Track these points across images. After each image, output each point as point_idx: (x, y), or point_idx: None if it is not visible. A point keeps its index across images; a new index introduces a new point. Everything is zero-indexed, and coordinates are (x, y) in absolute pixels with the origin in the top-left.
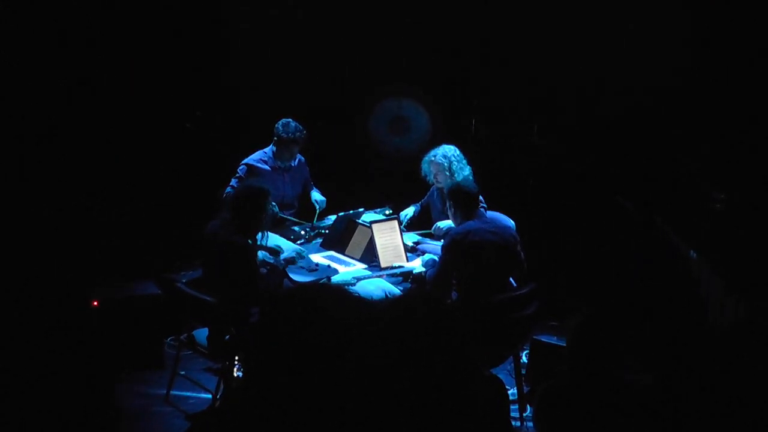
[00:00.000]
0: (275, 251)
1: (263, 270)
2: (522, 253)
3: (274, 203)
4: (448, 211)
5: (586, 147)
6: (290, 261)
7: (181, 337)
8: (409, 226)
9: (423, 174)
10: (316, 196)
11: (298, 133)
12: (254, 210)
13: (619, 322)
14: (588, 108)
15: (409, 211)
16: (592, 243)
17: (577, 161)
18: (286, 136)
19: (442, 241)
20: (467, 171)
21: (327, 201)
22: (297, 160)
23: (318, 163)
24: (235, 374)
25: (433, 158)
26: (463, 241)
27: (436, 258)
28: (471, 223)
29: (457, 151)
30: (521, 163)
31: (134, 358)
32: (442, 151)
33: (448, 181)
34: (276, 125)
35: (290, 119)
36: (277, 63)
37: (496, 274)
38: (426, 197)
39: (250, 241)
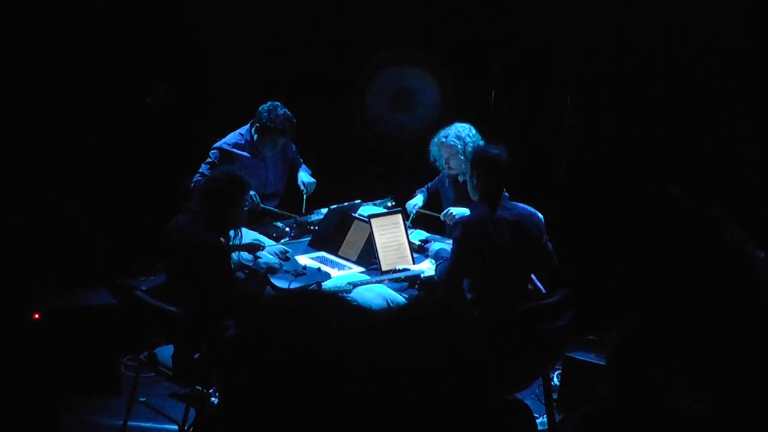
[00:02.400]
0: (256, 247)
1: (240, 274)
2: (549, 244)
3: (253, 193)
4: (468, 183)
5: (629, 126)
6: (272, 270)
7: (141, 356)
8: (418, 220)
9: (431, 158)
10: (304, 177)
11: (286, 124)
12: (228, 203)
13: (669, 336)
14: (632, 79)
15: (417, 201)
16: (636, 241)
17: (619, 143)
18: (271, 125)
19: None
20: None
21: (317, 192)
22: None
23: (305, 147)
24: (207, 400)
25: (444, 139)
26: (478, 231)
27: (447, 248)
28: (488, 210)
29: (473, 131)
30: (550, 145)
31: (84, 381)
32: (455, 130)
33: (463, 166)
34: (260, 109)
35: (278, 104)
36: (255, 24)
37: (518, 271)
38: (434, 182)
39: (222, 240)
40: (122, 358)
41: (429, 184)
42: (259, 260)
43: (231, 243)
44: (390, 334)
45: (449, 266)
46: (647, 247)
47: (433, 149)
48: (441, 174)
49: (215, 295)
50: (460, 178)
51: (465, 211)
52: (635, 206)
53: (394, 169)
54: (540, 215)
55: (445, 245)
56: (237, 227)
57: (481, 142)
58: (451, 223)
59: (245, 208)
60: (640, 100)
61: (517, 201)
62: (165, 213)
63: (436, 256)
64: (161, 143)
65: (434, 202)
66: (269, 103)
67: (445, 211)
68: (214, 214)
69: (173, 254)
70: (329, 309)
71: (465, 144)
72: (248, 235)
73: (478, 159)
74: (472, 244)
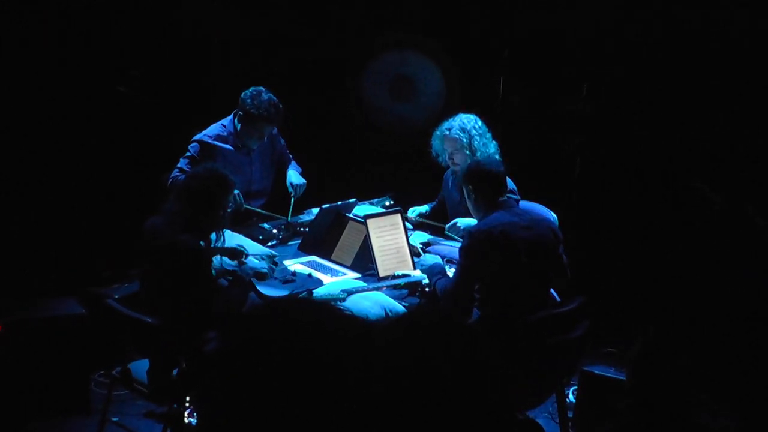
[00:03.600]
0: (238, 252)
1: (222, 281)
2: (565, 257)
3: (237, 191)
4: (467, 200)
5: (652, 116)
6: (260, 276)
7: (114, 371)
8: (418, 224)
9: (434, 153)
10: (293, 177)
11: (272, 110)
12: (211, 203)
13: (696, 348)
14: (657, 63)
15: (423, 208)
16: (660, 244)
17: (640, 135)
18: (255, 112)
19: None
20: (492, 148)
21: (308, 190)
22: None
23: (295, 141)
24: (186, 420)
25: (447, 132)
26: (487, 240)
27: (438, 259)
28: (497, 216)
29: (479, 122)
30: (565, 137)
31: (50, 400)
32: (459, 122)
33: (468, 161)
34: (243, 95)
35: (262, 89)
36: (238, 2)
37: (532, 284)
38: (440, 194)
39: (203, 243)
40: (93, 374)
41: (439, 195)
42: (245, 265)
43: (213, 246)
44: (388, 347)
45: (455, 280)
46: (672, 250)
47: (435, 143)
48: (445, 174)
49: (195, 305)
50: None
51: (471, 222)
52: (659, 206)
53: (392, 165)
54: (553, 216)
55: (438, 258)
56: (219, 230)
57: (488, 135)
58: (457, 235)
59: (228, 209)
60: (666, 86)
61: (530, 199)
62: (140, 213)
63: (431, 272)
64: (135, 136)
65: (442, 216)
66: (252, 88)
67: (450, 223)
68: (195, 215)
69: (149, 259)
70: (321, 319)
71: (471, 137)
72: (232, 239)
73: (469, 174)
74: (480, 255)
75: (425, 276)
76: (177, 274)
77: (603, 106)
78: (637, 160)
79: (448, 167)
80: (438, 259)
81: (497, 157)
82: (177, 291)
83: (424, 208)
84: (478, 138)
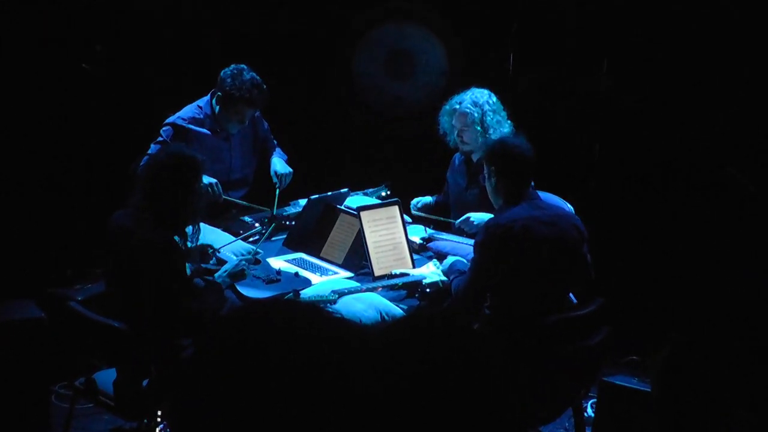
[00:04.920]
0: (203, 253)
1: (198, 281)
2: (589, 256)
3: (215, 181)
4: (486, 181)
5: (681, 97)
6: (238, 275)
7: (76, 382)
8: (420, 218)
9: (441, 131)
10: (278, 165)
11: (255, 91)
12: (179, 190)
13: (726, 355)
14: (688, 35)
15: (426, 198)
16: (688, 238)
17: (669, 119)
18: (236, 93)
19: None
20: (507, 128)
21: (294, 180)
22: None
23: (280, 125)
24: None
25: (457, 106)
26: (505, 236)
27: (464, 261)
28: (517, 210)
29: (493, 98)
30: (582, 120)
31: (6, 415)
32: (472, 95)
33: (480, 140)
34: (222, 74)
35: (244, 67)
36: None
37: (550, 286)
38: (446, 185)
39: (177, 239)
40: (53, 385)
41: (446, 187)
42: (218, 272)
43: (189, 242)
44: (384, 355)
45: (469, 278)
46: (702, 245)
47: (444, 119)
48: (453, 158)
49: (167, 308)
50: (475, 157)
51: (485, 218)
52: (687, 197)
53: (389, 151)
54: (570, 208)
55: (460, 257)
56: (194, 222)
57: (503, 113)
58: (469, 231)
59: (203, 196)
60: (698, 62)
61: (541, 191)
62: (106, 206)
63: (451, 270)
64: (100, 119)
65: (446, 208)
66: (233, 66)
67: (462, 218)
68: (163, 206)
69: (115, 257)
70: (309, 323)
71: (483, 112)
72: (209, 234)
73: (494, 154)
74: (497, 252)
75: (425, 275)
76: (146, 274)
77: (625, 87)
78: (663, 147)
79: (458, 148)
80: (461, 259)
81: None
82: (147, 292)
83: (428, 198)
84: (491, 114)
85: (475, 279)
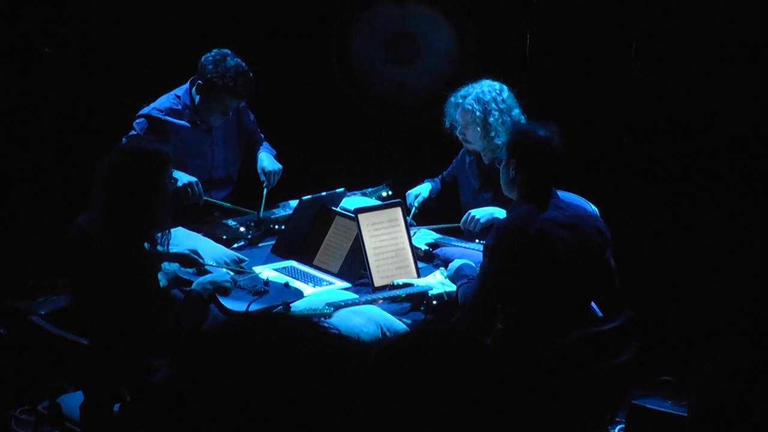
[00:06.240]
0: (190, 260)
1: (176, 293)
2: (613, 263)
3: (195, 180)
4: (501, 172)
5: (722, 80)
6: (221, 290)
7: (40, 406)
8: (421, 216)
9: (447, 123)
10: (266, 161)
11: (240, 79)
12: (141, 190)
13: None
14: (730, 10)
15: (422, 190)
16: (730, 245)
17: (707, 108)
18: (219, 81)
19: (481, 241)
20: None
21: (283, 180)
22: None
23: (268, 117)
24: None
25: (461, 101)
26: (519, 239)
27: (473, 265)
28: (533, 209)
29: (505, 93)
30: (608, 109)
31: None
32: (479, 91)
33: (482, 143)
34: (203, 60)
35: (228, 52)
36: None
37: (570, 297)
38: (451, 167)
39: (148, 246)
40: (13, 410)
41: (444, 173)
42: (201, 279)
43: (159, 249)
44: (386, 375)
45: (478, 286)
46: (747, 252)
47: (449, 111)
48: (461, 152)
49: (140, 323)
50: (485, 158)
51: (493, 212)
52: (728, 195)
53: (390, 146)
54: (594, 209)
55: (468, 260)
56: (163, 226)
57: (515, 112)
58: (476, 230)
59: (180, 195)
60: (741, 43)
61: (561, 190)
62: (71, 209)
63: (457, 275)
64: (64, 112)
65: (450, 202)
66: (215, 51)
67: (465, 216)
68: (125, 211)
69: (77, 267)
70: (301, 340)
71: (487, 112)
72: (188, 239)
73: (516, 143)
74: (510, 257)
75: (432, 286)
76: (113, 288)
77: (658, 69)
78: (702, 139)
79: (464, 142)
80: (469, 262)
81: None
82: (116, 306)
83: (426, 189)
84: (496, 114)
85: (485, 285)
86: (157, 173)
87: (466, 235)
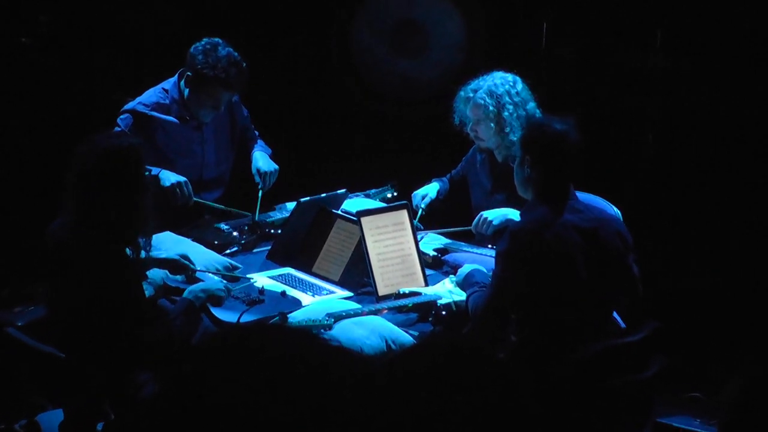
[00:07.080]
0: (180, 266)
1: (164, 302)
2: (636, 269)
3: (184, 180)
4: (516, 169)
5: (752, 73)
6: (215, 299)
7: (17, 425)
8: (428, 219)
9: (456, 120)
10: (261, 161)
11: (232, 70)
12: (117, 192)
13: None
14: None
15: (429, 191)
16: (766, 251)
17: (738, 101)
18: (210, 72)
19: (494, 245)
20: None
21: (280, 180)
22: None
23: (263, 112)
24: None
25: (471, 95)
26: (534, 244)
27: (484, 271)
28: (550, 212)
29: (519, 87)
30: (631, 104)
31: None
32: (491, 83)
33: (495, 139)
34: (193, 50)
35: (219, 41)
36: None
37: (589, 306)
38: (460, 166)
39: (130, 252)
40: None
41: (453, 171)
42: (193, 287)
43: (142, 255)
44: (391, 391)
45: (490, 294)
46: None
47: (459, 106)
48: (471, 149)
49: (124, 335)
50: (499, 156)
51: (507, 214)
52: (764, 198)
53: (395, 143)
54: (616, 211)
55: (479, 266)
56: (145, 228)
57: (530, 105)
58: (488, 233)
59: (147, 190)
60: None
61: (580, 191)
62: (49, 214)
63: (467, 282)
64: (44, 107)
65: (459, 203)
66: (205, 40)
67: (477, 218)
68: (98, 212)
69: (53, 276)
70: (299, 353)
71: (500, 106)
72: (177, 244)
73: (531, 138)
74: (524, 263)
75: (440, 294)
76: (94, 296)
77: (684, 61)
78: (732, 137)
79: (474, 139)
80: (480, 267)
81: None
82: (96, 318)
83: (433, 190)
84: (511, 108)
85: (497, 296)
86: (133, 170)
87: (478, 239)
